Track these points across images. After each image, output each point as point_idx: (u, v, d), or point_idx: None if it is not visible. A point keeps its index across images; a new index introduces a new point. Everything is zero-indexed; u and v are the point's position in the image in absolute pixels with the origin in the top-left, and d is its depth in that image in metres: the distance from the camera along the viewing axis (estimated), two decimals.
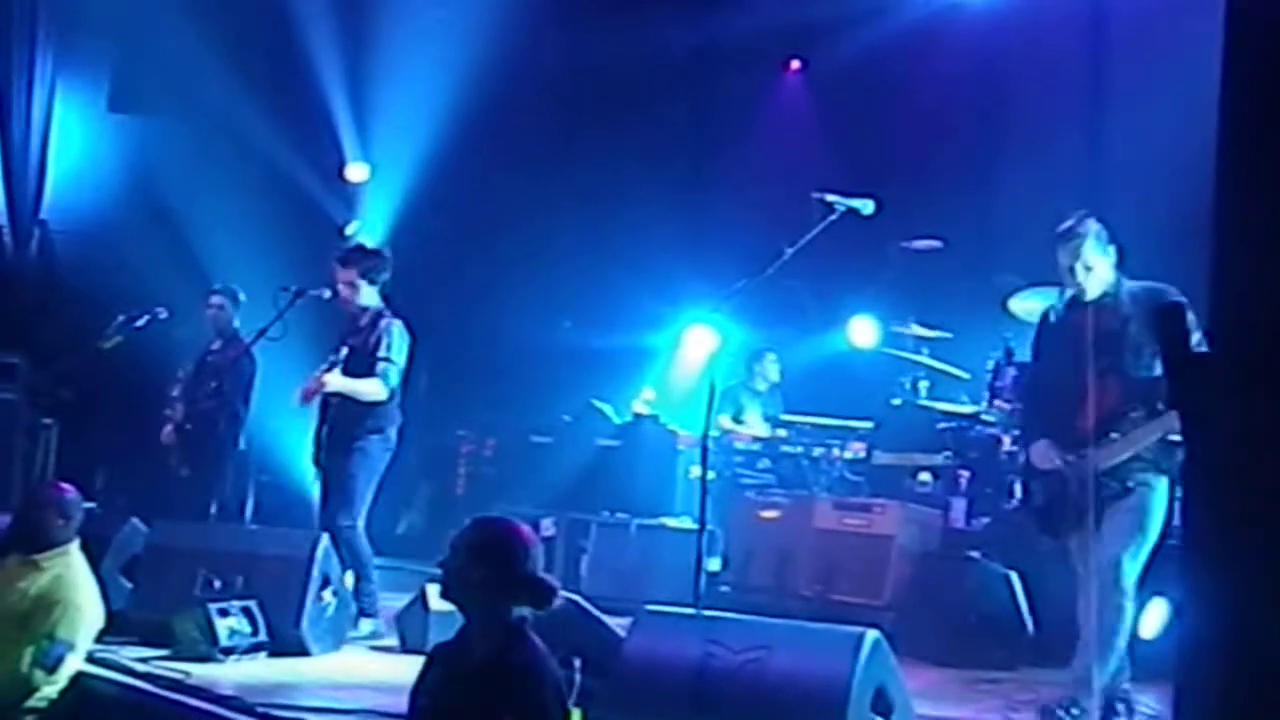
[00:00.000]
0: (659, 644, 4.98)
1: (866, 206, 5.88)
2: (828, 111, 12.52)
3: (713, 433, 5.84)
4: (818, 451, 9.72)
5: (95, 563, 6.14)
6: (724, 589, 8.67)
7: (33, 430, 9.99)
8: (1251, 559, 2.34)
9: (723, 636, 4.80)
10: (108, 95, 12.24)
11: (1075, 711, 5.56)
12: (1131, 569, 5.56)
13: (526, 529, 4.01)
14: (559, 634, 4.21)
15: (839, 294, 10.48)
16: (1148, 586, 6.74)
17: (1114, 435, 5.57)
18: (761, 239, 6.80)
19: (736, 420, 10.31)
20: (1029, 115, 10.72)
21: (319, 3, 12.09)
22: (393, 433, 7.62)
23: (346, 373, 7.49)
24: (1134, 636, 6.78)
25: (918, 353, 9.58)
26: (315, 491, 7.81)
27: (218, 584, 6.92)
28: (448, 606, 4.13)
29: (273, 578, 6.94)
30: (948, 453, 9.11)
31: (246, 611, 6.73)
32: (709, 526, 6.03)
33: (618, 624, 5.59)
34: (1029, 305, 7.48)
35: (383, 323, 7.56)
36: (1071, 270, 5.69)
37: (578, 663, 5.07)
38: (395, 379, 7.49)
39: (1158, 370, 5.57)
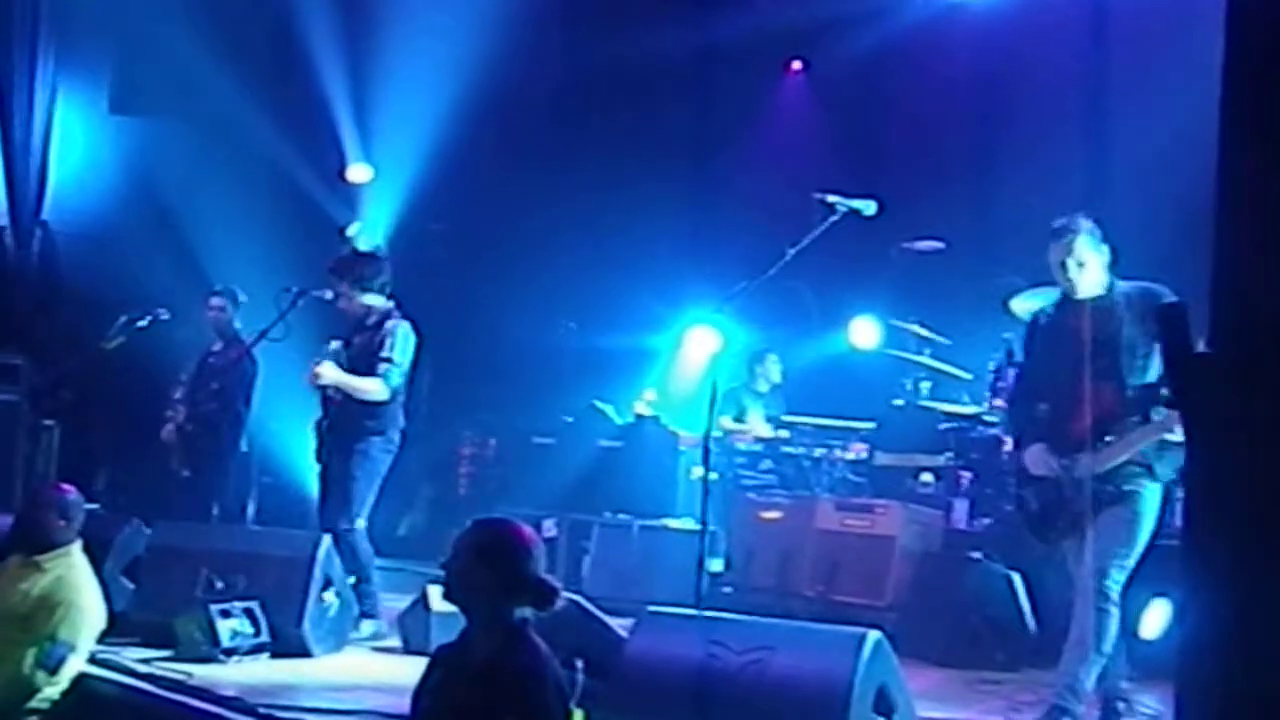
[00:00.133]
0: (661, 645, 4.99)
1: (868, 207, 5.88)
2: (829, 112, 12.52)
3: (715, 433, 5.84)
4: (819, 452, 9.72)
5: (97, 564, 6.15)
6: (726, 590, 8.67)
7: (34, 431, 9.99)
8: (1253, 560, 2.34)
9: (725, 637, 4.80)
10: (109, 96, 12.24)
11: None
12: (1119, 577, 5.53)
13: (528, 530, 4.01)
14: (561, 635, 4.21)
15: (841, 295, 10.48)
16: (1149, 587, 6.76)
17: (1109, 439, 5.54)
18: (763, 240, 6.81)
19: (738, 421, 10.31)
20: (1030, 116, 10.72)
21: (320, 4, 12.10)
22: (395, 434, 7.60)
23: (350, 370, 7.49)
24: (1134, 637, 6.80)
25: (919, 353, 9.58)
26: (315, 490, 7.81)
27: (219, 585, 6.92)
28: (450, 607, 4.13)
29: (275, 578, 6.94)
30: (949, 453, 9.11)
31: (248, 612, 6.73)
32: (711, 527, 6.04)
33: (620, 625, 5.60)
34: (1030, 306, 7.46)
35: (389, 323, 7.54)
36: (1063, 266, 5.64)
37: (580, 663, 5.07)
38: (396, 380, 7.46)
39: (1152, 372, 5.54)
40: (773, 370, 10.65)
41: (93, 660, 5.92)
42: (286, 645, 6.79)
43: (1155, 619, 6.91)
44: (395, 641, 7.28)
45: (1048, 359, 5.82)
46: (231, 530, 8.28)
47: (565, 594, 3.98)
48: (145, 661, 6.35)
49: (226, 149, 11.97)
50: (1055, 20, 10.48)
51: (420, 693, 4.00)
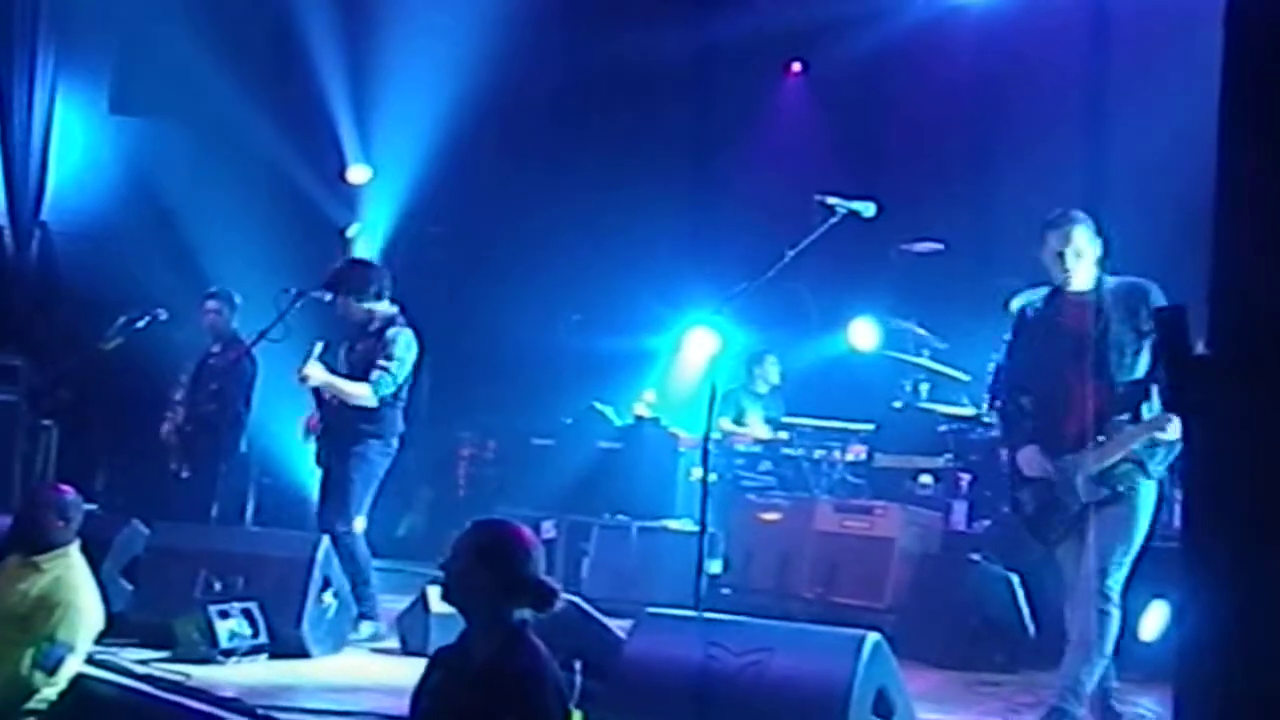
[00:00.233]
0: (660, 646, 4.98)
1: (867, 209, 5.87)
2: (829, 114, 12.53)
3: (714, 435, 5.83)
4: (819, 454, 9.72)
5: (95, 564, 6.14)
6: (725, 591, 8.67)
7: (33, 432, 9.99)
8: (1252, 561, 2.34)
9: (724, 639, 4.80)
10: (109, 97, 12.24)
11: None
12: (1118, 577, 5.51)
13: (528, 531, 4.01)
14: (560, 636, 4.20)
15: (840, 296, 10.48)
16: (1147, 588, 6.75)
17: (1100, 438, 5.51)
18: (762, 241, 6.81)
19: (738, 422, 10.31)
20: (1029, 117, 10.72)
21: (320, 5, 12.10)
22: (393, 438, 7.58)
23: (350, 374, 7.48)
24: (1133, 638, 6.80)
25: (918, 355, 9.58)
26: (315, 492, 7.80)
27: (218, 586, 6.92)
28: (449, 609, 4.12)
29: (273, 580, 6.94)
30: (949, 455, 9.11)
31: (247, 613, 6.73)
32: (710, 529, 6.03)
33: (619, 626, 5.60)
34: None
35: (391, 331, 7.51)
36: (1061, 256, 5.59)
37: (579, 665, 5.07)
38: (387, 388, 7.42)
39: (1141, 369, 5.52)
40: (772, 372, 10.64)
41: (91, 661, 5.92)
42: (285, 646, 6.79)
43: (1154, 620, 6.91)
44: (394, 643, 7.28)
45: (1033, 355, 5.77)
46: (230, 531, 8.27)
47: (564, 595, 3.97)
48: (143, 662, 6.34)
49: (226, 150, 11.97)
50: (1054, 22, 10.48)
51: (419, 694, 4.00)
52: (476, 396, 12.66)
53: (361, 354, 7.53)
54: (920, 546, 8.42)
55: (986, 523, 8.57)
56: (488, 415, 12.40)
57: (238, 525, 9.21)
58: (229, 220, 11.22)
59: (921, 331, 9.51)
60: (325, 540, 7.08)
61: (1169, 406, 5.45)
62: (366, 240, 12.13)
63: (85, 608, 5.75)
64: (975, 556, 7.80)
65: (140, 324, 8.97)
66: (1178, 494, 7.44)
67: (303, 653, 6.82)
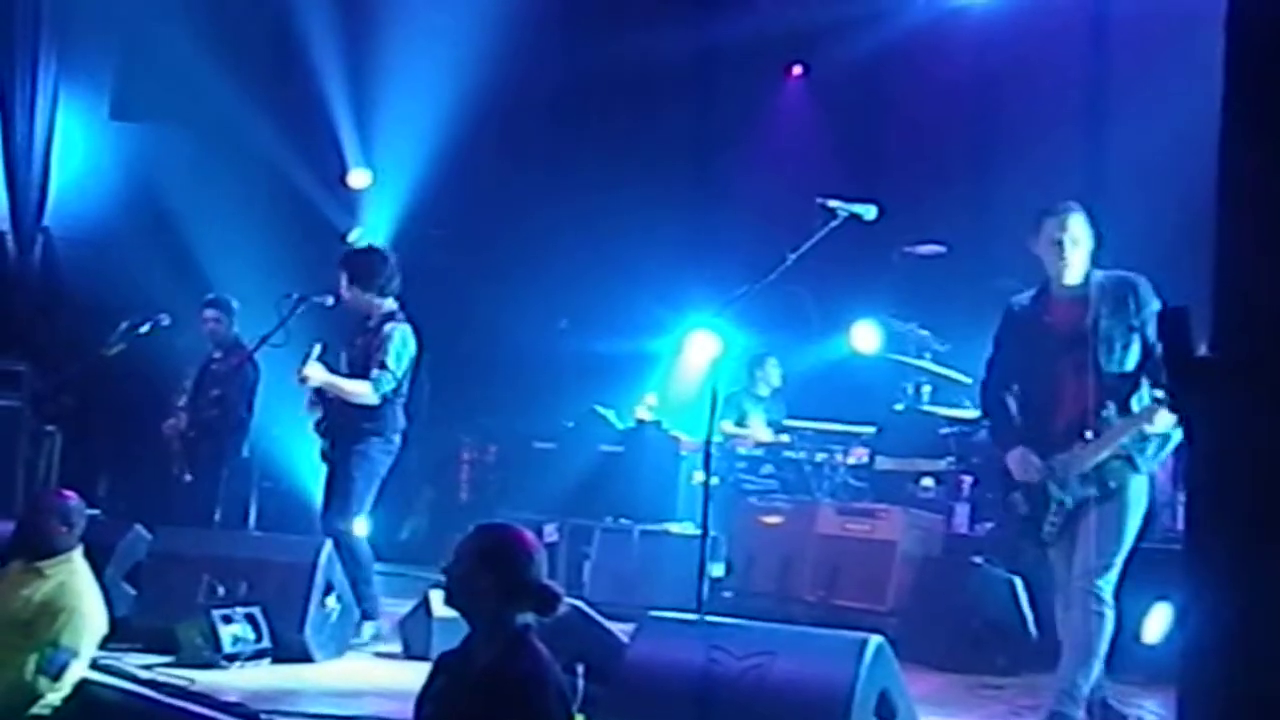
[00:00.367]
0: (662, 650, 4.98)
1: (869, 212, 5.87)
2: (830, 116, 12.54)
3: (715, 438, 5.83)
4: (820, 457, 9.73)
5: (99, 570, 6.13)
6: (727, 594, 8.67)
7: (36, 437, 9.99)
8: (1254, 563, 2.34)
9: (725, 642, 4.79)
10: (110, 103, 12.25)
11: None
12: (1111, 577, 5.49)
13: (531, 535, 4.00)
14: (562, 640, 4.20)
15: (841, 299, 10.48)
16: (1150, 590, 6.75)
17: (1089, 435, 5.48)
18: (764, 244, 6.81)
19: (739, 425, 10.32)
20: (1030, 119, 10.73)
21: (320, 10, 12.11)
22: (394, 436, 7.58)
23: (349, 372, 7.49)
24: (1136, 640, 6.80)
25: (920, 357, 9.58)
26: (319, 492, 7.81)
27: (221, 590, 6.93)
28: (451, 613, 4.12)
29: (276, 584, 6.94)
30: (950, 458, 9.10)
31: (250, 618, 6.73)
32: (712, 532, 6.04)
33: (621, 630, 5.59)
34: None
35: (388, 327, 7.51)
36: (1059, 244, 5.55)
37: (581, 669, 5.06)
38: (387, 385, 7.42)
39: (1130, 363, 5.49)
40: (773, 374, 10.65)
41: (94, 666, 5.91)
42: (288, 651, 6.79)
43: (1157, 623, 6.90)
44: (396, 647, 7.28)
45: (1022, 353, 5.75)
46: (233, 536, 8.28)
47: (566, 599, 3.97)
48: (147, 667, 6.36)
49: (227, 155, 11.98)
50: (1055, 23, 10.49)
51: (423, 699, 4.00)
52: (478, 399, 12.66)
53: (360, 349, 7.55)
54: (922, 549, 8.42)
55: (988, 525, 8.56)
56: (489, 418, 12.41)
57: (240, 530, 9.22)
58: (230, 225, 11.23)
59: (923, 333, 9.51)
60: (328, 544, 7.08)
61: (1172, 408, 5.45)
62: (369, 244, 12.12)
63: (88, 613, 5.74)
64: (977, 559, 7.80)
65: (142, 329, 8.98)
66: (1180, 496, 7.46)
67: (306, 657, 6.82)
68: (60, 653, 5.59)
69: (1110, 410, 5.47)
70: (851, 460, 9.73)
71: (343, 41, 12.29)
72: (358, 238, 12.26)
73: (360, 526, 7.58)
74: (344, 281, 7.60)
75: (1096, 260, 5.68)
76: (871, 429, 9.84)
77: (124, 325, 9.01)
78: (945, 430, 9.22)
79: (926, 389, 9.52)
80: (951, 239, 9.71)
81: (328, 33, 12.19)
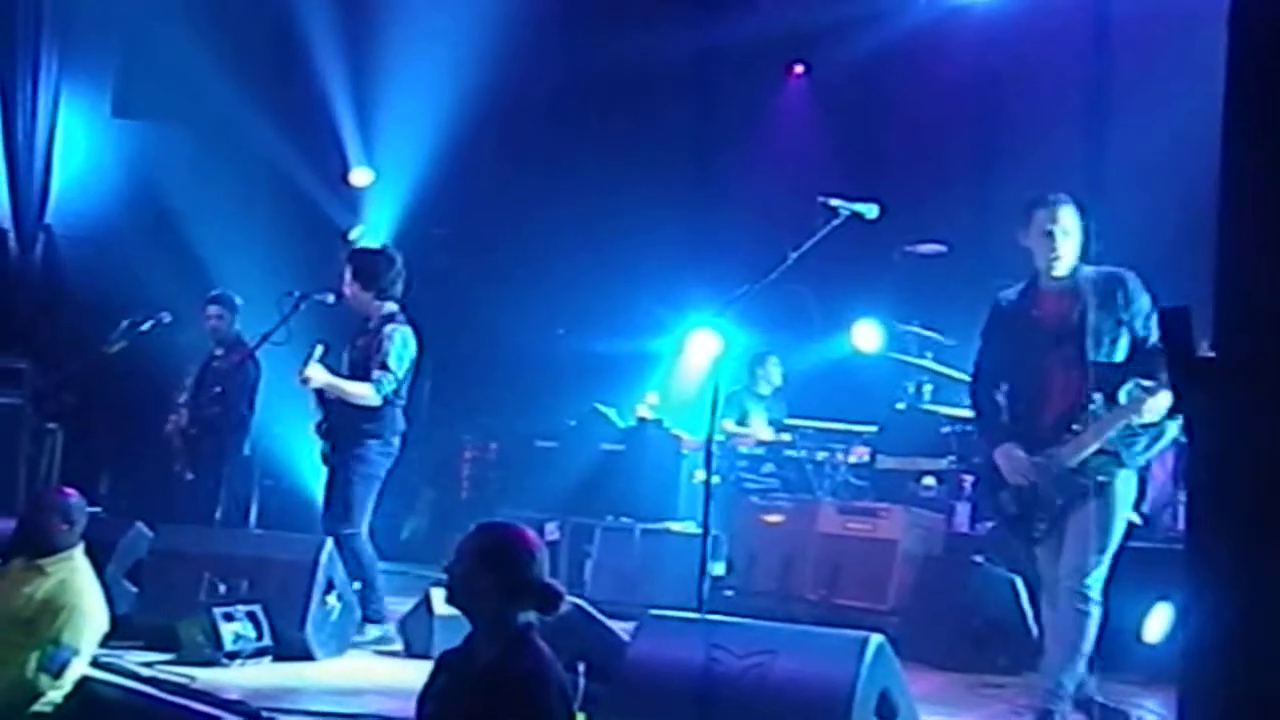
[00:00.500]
0: (663, 648, 4.98)
1: (870, 211, 5.86)
2: (831, 116, 12.54)
3: (717, 437, 5.82)
4: (822, 456, 9.73)
5: (100, 567, 6.14)
6: (728, 593, 8.67)
7: (37, 435, 10.00)
8: (1256, 563, 2.34)
9: (727, 641, 4.80)
10: (112, 100, 12.25)
11: None
12: (1097, 575, 5.47)
13: (533, 534, 4.00)
14: (563, 639, 4.20)
15: (842, 298, 10.48)
16: (1151, 590, 6.76)
17: (1076, 428, 5.46)
18: (765, 243, 6.81)
19: (740, 424, 10.32)
20: (1032, 118, 10.73)
21: (322, 8, 12.11)
22: (393, 439, 7.57)
23: (350, 374, 7.49)
24: (1137, 640, 6.80)
25: (921, 356, 9.58)
26: (320, 491, 7.81)
27: (222, 588, 6.93)
28: (452, 611, 4.12)
29: (277, 582, 6.94)
30: (951, 457, 9.10)
31: (251, 616, 6.73)
32: (713, 531, 6.03)
33: (622, 628, 5.60)
34: None
35: (388, 328, 7.49)
36: (1050, 235, 5.54)
37: (582, 667, 5.07)
38: (388, 387, 7.41)
39: (1118, 358, 5.47)
40: (774, 373, 10.65)
41: (95, 664, 5.92)
42: (289, 649, 6.79)
43: (1158, 622, 6.91)
44: (398, 645, 7.28)
45: (1009, 347, 5.73)
46: (234, 534, 8.28)
47: (567, 598, 3.97)
48: (148, 665, 6.35)
49: (229, 153, 11.98)
50: (1056, 23, 10.49)
51: (425, 697, 4.00)
52: (479, 398, 12.67)
53: (361, 350, 7.54)
54: (923, 548, 8.42)
55: (989, 524, 8.55)
56: (490, 417, 12.41)
57: (241, 528, 9.23)
58: (232, 223, 11.24)
59: (925, 333, 9.51)
60: (329, 543, 7.08)
61: (1172, 407, 5.44)
62: (369, 243, 12.12)
63: (90, 611, 5.75)
64: (978, 558, 7.80)
65: (144, 327, 8.98)
66: (1181, 495, 7.46)
67: (307, 655, 6.82)
68: (61, 650, 5.59)
69: (1098, 403, 5.45)
70: (853, 459, 9.74)
71: (344, 40, 12.29)
72: (359, 235, 12.26)
73: (360, 525, 7.57)
74: (348, 278, 7.60)
75: (1098, 258, 5.67)
76: (873, 428, 9.84)
77: (125, 323, 9.02)
78: (946, 429, 9.22)
79: (928, 388, 9.52)
80: (952, 238, 9.71)
81: (329, 31, 12.20)
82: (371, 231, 12.44)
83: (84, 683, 5.76)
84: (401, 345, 7.47)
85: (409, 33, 12.04)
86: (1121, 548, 5.57)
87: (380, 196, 12.78)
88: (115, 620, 5.99)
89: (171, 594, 7.02)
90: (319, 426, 7.60)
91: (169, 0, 11.73)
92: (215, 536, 7.79)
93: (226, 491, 8.87)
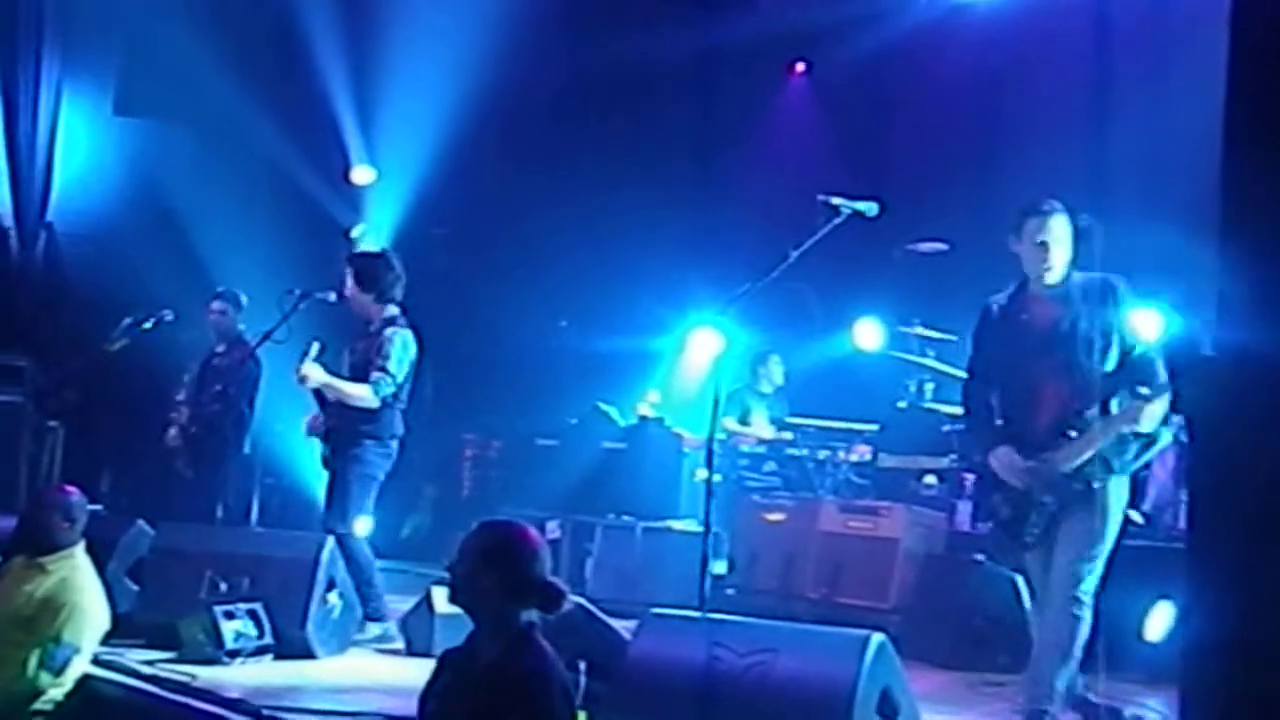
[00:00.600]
0: (664, 647, 4.98)
1: (871, 209, 5.86)
2: (832, 114, 12.53)
3: (718, 435, 5.82)
4: (823, 454, 9.73)
5: (101, 565, 6.15)
6: (729, 592, 8.67)
7: (38, 433, 10.00)
8: (1257, 562, 2.34)
9: (728, 639, 4.79)
10: (113, 99, 12.26)
11: None
12: (1093, 579, 5.46)
13: (535, 532, 4.00)
14: (564, 637, 4.21)
15: (844, 296, 10.48)
16: (1152, 589, 6.76)
17: (1071, 434, 5.45)
18: (766, 242, 6.81)
19: (742, 423, 10.32)
20: (1034, 117, 10.71)
21: (324, 7, 12.11)
22: (391, 441, 7.55)
23: (350, 375, 7.49)
24: (1138, 639, 6.80)
25: (923, 354, 9.58)
26: (321, 489, 7.82)
27: (223, 586, 6.93)
28: (453, 609, 4.12)
29: (278, 580, 6.94)
30: (953, 455, 9.10)
31: (252, 614, 6.73)
32: (714, 529, 6.03)
33: (623, 627, 5.60)
34: None
35: (388, 331, 7.50)
36: (1044, 245, 5.52)
37: (583, 666, 5.07)
38: (386, 389, 7.40)
39: (1110, 363, 5.46)
40: (776, 372, 10.65)
41: (96, 662, 5.93)
42: (290, 647, 6.79)
43: (1159, 621, 6.90)
44: (399, 644, 7.29)
45: (999, 350, 5.72)
46: (235, 532, 8.28)
47: (571, 597, 3.97)
48: (149, 663, 6.35)
49: (231, 151, 11.99)
50: (1058, 22, 10.48)
51: (427, 695, 4.00)
52: (481, 397, 12.67)
53: (361, 353, 7.55)
54: (924, 547, 8.42)
55: (991, 523, 8.55)
56: (492, 415, 12.41)
57: (242, 526, 9.23)
58: (233, 221, 11.24)
59: (928, 333, 9.51)
60: (330, 541, 7.08)
61: (1174, 408, 5.44)
62: (371, 241, 12.13)
63: (91, 609, 5.76)
64: (979, 557, 7.79)
65: (145, 325, 8.98)
66: (1183, 495, 7.46)
67: (308, 653, 6.82)
68: (62, 648, 5.60)
69: (1092, 411, 5.45)
70: (854, 457, 9.74)
71: (346, 38, 12.30)
72: (361, 234, 12.27)
73: (362, 526, 7.57)
74: (349, 281, 7.62)
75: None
76: (874, 426, 9.84)
77: (127, 321, 9.02)
78: (948, 428, 9.22)
79: (929, 386, 9.52)
80: (953, 237, 9.70)
81: (331, 30, 12.20)
82: (373, 230, 12.45)
83: (85, 681, 5.77)
84: (401, 348, 7.47)
85: (410, 32, 12.04)
86: (1118, 547, 5.57)
87: (382, 195, 12.78)
88: (116, 618, 6.00)
89: (172, 592, 7.02)
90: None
91: None
92: (216, 534, 7.80)
93: (227, 490, 8.88)
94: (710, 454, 5.61)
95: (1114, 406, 5.46)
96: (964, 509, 8.82)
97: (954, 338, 9.47)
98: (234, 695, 5.88)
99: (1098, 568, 5.48)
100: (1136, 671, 6.56)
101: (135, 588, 7.31)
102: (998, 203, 10.78)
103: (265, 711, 5.61)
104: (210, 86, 11.62)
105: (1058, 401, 5.50)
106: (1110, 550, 5.51)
